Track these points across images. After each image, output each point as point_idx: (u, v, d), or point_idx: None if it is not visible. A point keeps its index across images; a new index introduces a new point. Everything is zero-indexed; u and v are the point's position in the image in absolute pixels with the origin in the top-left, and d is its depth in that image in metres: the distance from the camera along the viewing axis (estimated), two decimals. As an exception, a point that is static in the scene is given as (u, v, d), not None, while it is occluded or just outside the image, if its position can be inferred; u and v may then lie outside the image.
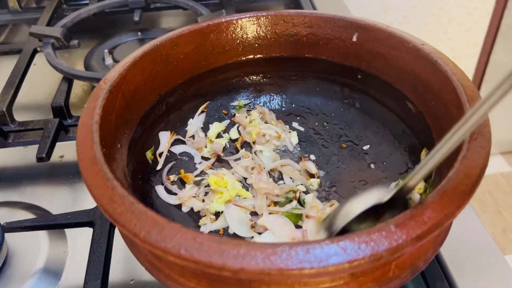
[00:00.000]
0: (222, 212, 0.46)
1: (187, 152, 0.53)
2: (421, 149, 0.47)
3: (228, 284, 0.33)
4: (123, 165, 0.41)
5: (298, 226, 0.44)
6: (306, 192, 0.48)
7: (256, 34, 0.54)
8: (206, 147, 0.53)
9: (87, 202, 0.51)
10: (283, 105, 0.58)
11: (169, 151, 0.51)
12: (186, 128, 0.54)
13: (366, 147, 0.52)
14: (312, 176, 0.50)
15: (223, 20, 0.52)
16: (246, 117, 0.55)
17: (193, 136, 0.54)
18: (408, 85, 0.48)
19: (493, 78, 1.60)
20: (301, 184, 0.49)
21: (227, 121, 0.56)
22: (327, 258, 0.27)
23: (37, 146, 0.56)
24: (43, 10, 0.86)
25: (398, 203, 0.35)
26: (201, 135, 0.54)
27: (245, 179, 0.50)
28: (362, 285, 0.33)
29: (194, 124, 0.54)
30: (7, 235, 0.46)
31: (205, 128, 0.55)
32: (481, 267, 0.44)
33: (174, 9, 0.88)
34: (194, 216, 0.47)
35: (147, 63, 0.48)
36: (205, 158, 0.53)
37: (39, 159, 0.54)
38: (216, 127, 0.55)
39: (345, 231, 0.36)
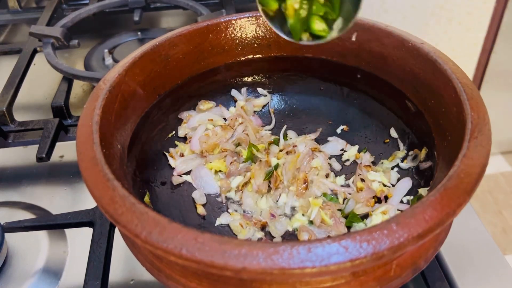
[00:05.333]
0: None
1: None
2: (421, 148, 0.47)
3: (229, 284, 0.33)
4: (124, 165, 0.41)
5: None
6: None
7: (255, 34, 0.54)
8: None
9: (87, 202, 0.51)
10: (283, 105, 0.58)
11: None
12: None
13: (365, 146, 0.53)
14: None
15: (222, 20, 0.52)
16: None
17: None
18: (408, 84, 0.48)
19: (493, 78, 1.60)
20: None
21: None
22: (329, 257, 0.27)
23: (37, 146, 0.56)
24: (43, 10, 0.86)
25: None
26: None
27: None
28: (363, 284, 0.33)
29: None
30: (7, 235, 0.46)
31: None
32: (481, 267, 0.44)
33: (174, 9, 0.88)
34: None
35: (147, 63, 0.48)
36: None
37: (39, 159, 0.54)
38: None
39: None
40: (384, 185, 0.48)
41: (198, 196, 0.48)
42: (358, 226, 0.45)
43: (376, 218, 0.44)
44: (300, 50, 0.54)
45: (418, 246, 0.34)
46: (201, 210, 0.47)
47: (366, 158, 0.51)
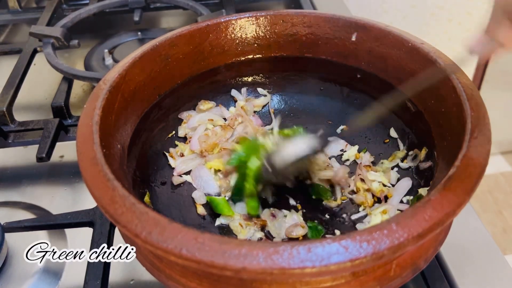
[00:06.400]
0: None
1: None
2: (421, 148, 0.47)
3: (229, 284, 0.33)
4: (124, 165, 0.41)
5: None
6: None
7: (255, 34, 0.54)
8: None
9: (87, 202, 0.51)
10: (283, 105, 0.58)
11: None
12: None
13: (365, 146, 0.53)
14: None
15: (222, 20, 0.52)
16: None
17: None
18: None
19: (493, 78, 1.60)
20: None
21: None
22: (329, 257, 0.27)
23: (37, 146, 0.56)
24: (43, 10, 0.86)
25: None
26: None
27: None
28: (363, 284, 0.33)
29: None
30: (7, 235, 0.46)
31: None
32: (481, 267, 0.44)
33: (174, 9, 0.88)
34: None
35: (147, 63, 0.48)
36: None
37: (39, 159, 0.54)
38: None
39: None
40: (384, 185, 0.48)
41: (198, 196, 0.48)
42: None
43: (376, 218, 0.44)
44: (300, 50, 0.54)
45: (418, 246, 0.34)
46: (201, 210, 0.47)
47: (366, 158, 0.51)
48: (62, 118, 0.62)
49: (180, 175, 0.50)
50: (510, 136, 1.78)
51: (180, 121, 0.54)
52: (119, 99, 0.43)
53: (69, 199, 0.55)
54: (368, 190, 0.48)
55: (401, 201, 0.46)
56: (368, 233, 0.28)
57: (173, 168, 0.51)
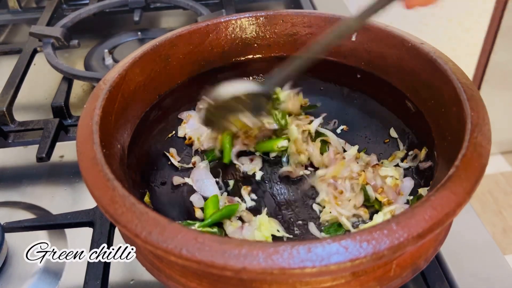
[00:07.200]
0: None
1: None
2: (421, 148, 0.47)
3: (229, 284, 0.33)
4: (124, 165, 0.41)
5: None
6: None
7: (255, 34, 0.54)
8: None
9: (87, 202, 0.51)
10: (283, 105, 0.58)
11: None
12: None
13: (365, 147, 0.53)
14: None
15: (222, 20, 0.52)
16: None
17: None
18: (408, 84, 0.48)
19: (493, 78, 1.60)
20: None
21: None
22: (329, 257, 0.27)
23: (37, 146, 0.56)
24: (43, 10, 0.86)
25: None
26: None
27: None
28: (363, 284, 0.33)
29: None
30: (7, 235, 0.46)
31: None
32: (481, 267, 0.44)
33: (174, 9, 0.88)
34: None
35: (147, 63, 0.48)
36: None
37: (39, 159, 0.54)
38: None
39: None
40: (397, 179, 0.47)
41: (197, 200, 0.48)
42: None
43: (378, 218, 0.44)
44: (300, 50, 0.54)
45: (418, 246, 0.34)
46: (199, 214, 0.47)
47: (374, 158, 0.50)
48: (62, 118, 0.62)
49: (181, 177, 0.50)
50: (510, 136, 1.78)
51: (180, 121, 0.54)
52: (119, 99, 0.43)
53: (69, 199, 0.55)
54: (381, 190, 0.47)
55: (401, 201, 0.46)
56: (368, 233, 0.28)
57: (174, 168, 0.51)
